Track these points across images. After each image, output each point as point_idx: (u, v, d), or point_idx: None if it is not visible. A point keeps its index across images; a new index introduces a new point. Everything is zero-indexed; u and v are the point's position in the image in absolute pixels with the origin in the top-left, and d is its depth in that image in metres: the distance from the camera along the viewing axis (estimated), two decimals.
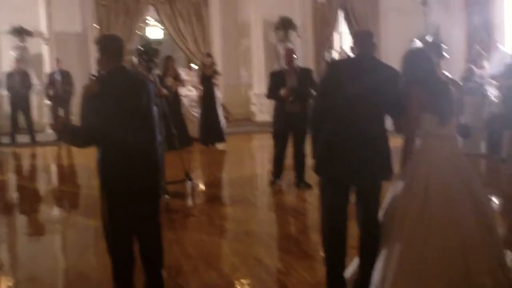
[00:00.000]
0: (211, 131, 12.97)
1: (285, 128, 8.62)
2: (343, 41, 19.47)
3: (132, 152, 4.38)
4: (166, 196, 8.07)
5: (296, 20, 17.00)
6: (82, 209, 8.69)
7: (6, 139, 14.73)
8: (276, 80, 8.74)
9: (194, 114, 13.73)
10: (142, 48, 8.37)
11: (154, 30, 16.30)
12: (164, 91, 9.59)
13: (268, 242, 6.59)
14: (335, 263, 4.60)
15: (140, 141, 4.42)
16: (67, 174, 11.77)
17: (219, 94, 13.90)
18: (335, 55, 19.96)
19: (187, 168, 8.87)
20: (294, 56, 8.78)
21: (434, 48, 5.50)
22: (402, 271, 4.29)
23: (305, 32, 17.55)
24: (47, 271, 5.84)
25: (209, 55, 13.63)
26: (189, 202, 8.64)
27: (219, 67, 15.54)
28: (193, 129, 13.37)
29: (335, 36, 19.50)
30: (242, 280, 5.36)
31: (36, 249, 6.78)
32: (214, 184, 10.08)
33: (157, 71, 11.14)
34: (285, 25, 16.71)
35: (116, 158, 4.39)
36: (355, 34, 4.97)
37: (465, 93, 11.23)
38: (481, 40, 15.98)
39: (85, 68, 15.83)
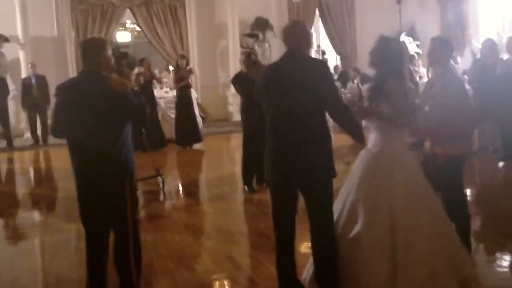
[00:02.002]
0: (187, 132, 13.03)
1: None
2: (320, 40, 19.67)
3: (91, 151, 4.43)
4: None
5: (273, 20, 17.10)
6: (59, 212, 8.72)
7: None
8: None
9: (171, 115, 13.75)
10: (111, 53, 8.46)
11: (121, 34, 16.35)
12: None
13: (239, 239, 6.71)
14: (283, 266, 4.60)
15: (99, 142, 4.41)
16: (44, 178, 11.81)
17: (195, 94, 14.01)
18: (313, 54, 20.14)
19: (158, 166, 8.94)
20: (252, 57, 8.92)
21: None
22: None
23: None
24: (24, 273, 5.86)
25: (183, 56, 13.68)
26: (162, 201, 8.70)
27: (196, 68, 15.65)
28: (171, 131, 13.39)
29: (313, 35, 19.67)
30: (212, 277, 5.42)
31: (13, 253, 6.81)
32: (188, 184, 10.15)
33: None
34: (261, 25, 16.80)
35: (77, 157, 4.49)
36: (282, 29, 4.72)
37: None
38: (455, 36, 16.16)
39: (62, 72, 15.77)
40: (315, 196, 4.43)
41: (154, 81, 13.20)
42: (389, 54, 4.62)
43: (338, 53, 18.53)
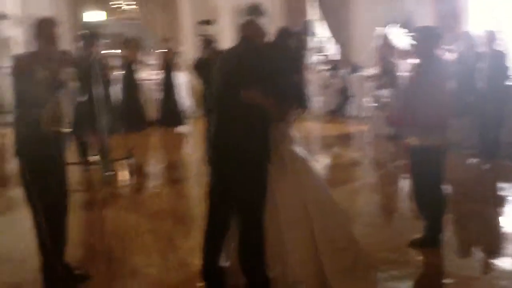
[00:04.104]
0: (170, 114, 13.10)
1: None
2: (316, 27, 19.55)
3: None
4: (110, 172, 8.62)
5: (267, 7, 16.98)
6: None
7: None
8: None
9: (157, 97, 13.79)
10: (84, 33, 8.58)
11: (94, 13, 16.26)
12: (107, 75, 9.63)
13: (187, 221, 6.79)
14: (211, 252, 4.66)
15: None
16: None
17: (186, 78, 14.07)
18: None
19: (130, 147, 9.03)
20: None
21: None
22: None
23: (276, 19, 17.59)
24: (15, 249, 5.89)
25: (167, 39, 13.75)
26: (126, 182, 8.82)
27: (188, 52, 15.63)
28: (156, 112, 13.46)
29: (309, 23, 19.57)
30: (145, 257, 5.53)
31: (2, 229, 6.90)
32: (159, 166, 10.30)
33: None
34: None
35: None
36: (240, 23, 4.72)
37: None
38: (449, 28, 16.03)
39: None
40: (245, 182, 4.39)
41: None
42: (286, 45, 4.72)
43: (335, 42, 18.44)
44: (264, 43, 4.55)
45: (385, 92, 11.61)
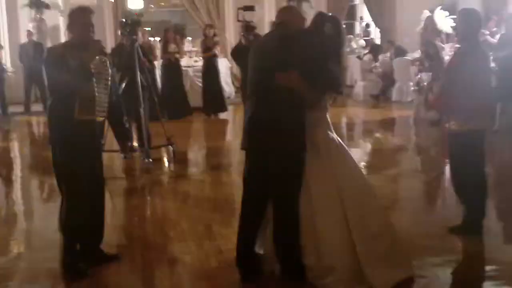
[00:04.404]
0: (213, 101, 13.13)
1: None
2: (361, 11, 19.39)
3: None
4: (149, 160, 8.56)
5: None
6: None
7: (20, 108, 15.07)
8: None
9: (199, 84, 13.84)
10: (125, 21, 8.62)
11: (137, 0, 16.38)
12: (147, 63, 9.65)
13: (225, 208, 6.73)
14: (247, 239, 4.64)
15: None
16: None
17: (228, 64, 14.09)
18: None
19: (170, 134, 9.05)
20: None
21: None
22: None
23: (319, 4, 17.43)
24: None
25: (211, 26, 13.75)
26: (165, 169, 8.91)
27: (232, 37, 15.64)
28: (198, 99, 13.49)
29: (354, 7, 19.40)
30: (181, 244, 5.52)
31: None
32: (200, 152, 10.37)
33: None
34: None
35: None
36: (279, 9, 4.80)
37: None
38: (497, 12, 15.63)
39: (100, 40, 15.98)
40: (282, 168, 4.40)
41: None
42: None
43: (377, 26, 18.23)
44: (300, 28, 4.53)
45: (428, 76, 11.42)
